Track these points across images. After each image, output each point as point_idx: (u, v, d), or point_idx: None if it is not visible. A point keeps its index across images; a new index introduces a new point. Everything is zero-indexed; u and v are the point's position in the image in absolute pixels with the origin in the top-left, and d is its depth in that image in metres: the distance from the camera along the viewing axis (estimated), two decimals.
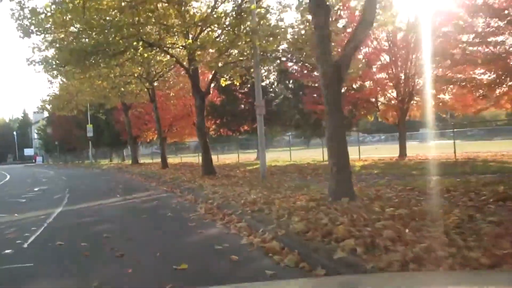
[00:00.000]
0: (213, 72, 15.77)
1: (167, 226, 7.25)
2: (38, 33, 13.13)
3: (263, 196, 8.42)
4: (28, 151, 78.75)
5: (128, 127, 29.60)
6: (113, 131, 38.87)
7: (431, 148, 26.90)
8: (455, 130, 20.87)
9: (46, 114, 53.07)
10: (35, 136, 72.54)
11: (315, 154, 26.61)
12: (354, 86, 20.20)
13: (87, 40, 12.80)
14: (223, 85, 17.96)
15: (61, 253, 5.61)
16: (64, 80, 23.78)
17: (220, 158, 28.48)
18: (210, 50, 14.22)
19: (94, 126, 37.42)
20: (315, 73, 21.82)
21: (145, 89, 22.89)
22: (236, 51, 12.96)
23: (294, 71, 23.09)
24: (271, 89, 27.25)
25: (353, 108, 21.39)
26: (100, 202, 10.88)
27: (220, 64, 13.36)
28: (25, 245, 5.99)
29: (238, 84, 18.51)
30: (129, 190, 13.76)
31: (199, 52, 14.57)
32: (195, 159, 30.71)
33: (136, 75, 20.73)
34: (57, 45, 13.14)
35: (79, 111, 30.12)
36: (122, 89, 21.91)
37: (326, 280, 2.82)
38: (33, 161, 69.71)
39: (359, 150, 20.68)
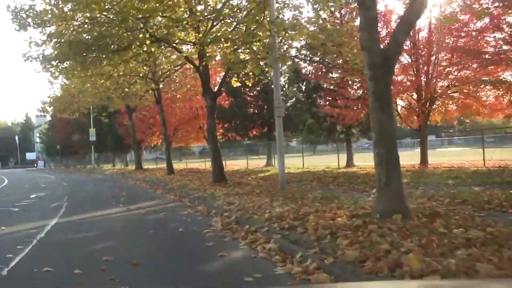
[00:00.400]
0: (224, 71, 14.67)
1: (179, 246, 6.05)
2: (36, 26, 12.05)
3: (291, 209, 7.20)
4: (30, 155, 77.82)
5: (132, 130, 28.38)
6: (116, 135, 37.70)
7: (444, 155, 25.67)
8: (481, 136, 19.60)
9: (48, 117, 52.12)
10: (37, 140, 71.50)
11: (326, 160, 25.39)
12: None
13: (89, 34, 11.67)
14: (234, 85, 16.76)
15: (48, 284, 4.40)
16: (65, 80, 22.63)
17: (227, 164, 27.26)
18: (223, 45, 13.02)
19: (97, 129, 36.22)
20: (331, 74, 20.66)
21: (150, 91, 21.67)
22: (252, 46, 11.77)
23: (308, 73, 21.85)
24: (282, 92, 26.06)
25: None
26: (100, 213, 9.72)
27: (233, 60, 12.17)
28: (4, 272, 4.79)
29: (250, 85, 17.36)
30: (133, 198, 12.58)
31: (210, 49, 13.46)
32: (201, 164, 29.56)
33: (141, 75, 19.56)
34: (56, 39, 11.99)
35: (81, 113, 28.99)
36: (126, 89, 20.67)
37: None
38: (35, 165, 68.69)
39: None
